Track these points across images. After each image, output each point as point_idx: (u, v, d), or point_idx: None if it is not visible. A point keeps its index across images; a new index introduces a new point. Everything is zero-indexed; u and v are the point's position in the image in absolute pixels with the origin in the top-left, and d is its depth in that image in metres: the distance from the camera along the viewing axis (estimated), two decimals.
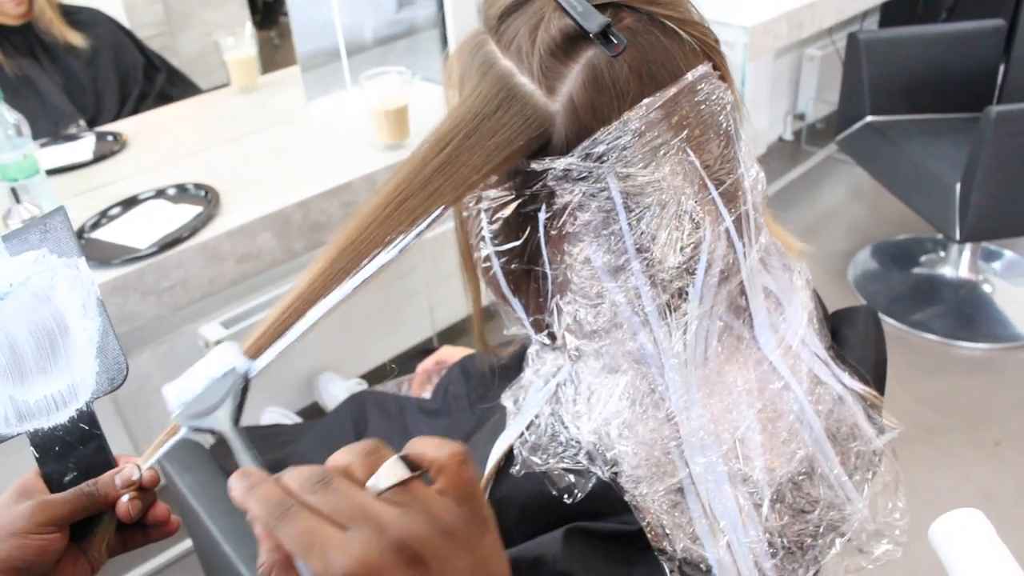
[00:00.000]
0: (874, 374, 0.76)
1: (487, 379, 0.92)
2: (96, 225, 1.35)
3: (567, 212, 0.58)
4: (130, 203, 1.39)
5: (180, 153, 1.59)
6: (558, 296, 0.62)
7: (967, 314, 2.35)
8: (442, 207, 0.54)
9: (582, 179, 0.56)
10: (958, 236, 2.02)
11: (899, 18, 3.04)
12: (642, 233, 0.57)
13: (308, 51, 1.72)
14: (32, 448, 0.56)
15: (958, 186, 2.01)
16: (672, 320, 0.59)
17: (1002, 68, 2.48)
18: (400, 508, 0.39)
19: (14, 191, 1.24)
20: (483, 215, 0.61)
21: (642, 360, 0.61)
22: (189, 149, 1.60)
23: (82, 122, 2.01)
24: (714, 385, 0.63)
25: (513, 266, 0.62)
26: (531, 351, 0.73)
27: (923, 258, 2.59)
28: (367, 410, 1.13)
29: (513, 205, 0.59)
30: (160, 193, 1.41)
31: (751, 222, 0.61)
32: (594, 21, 0.52)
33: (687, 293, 0.59)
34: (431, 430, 0.92)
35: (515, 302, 0.64)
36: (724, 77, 0.59)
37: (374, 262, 0.54)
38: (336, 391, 1.91)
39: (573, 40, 0.54)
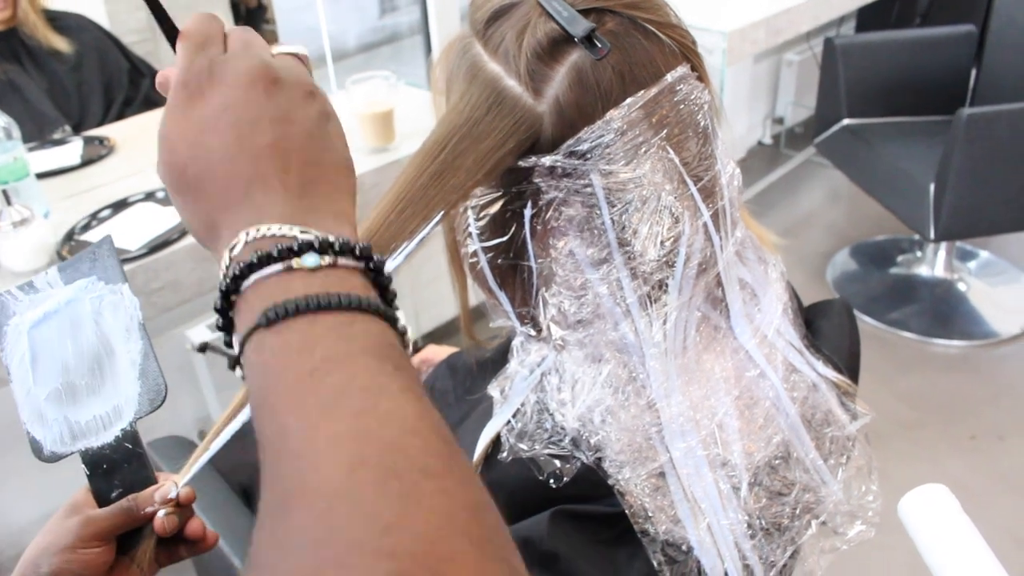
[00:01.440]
0: (848, 364, 0.79)
1: (473, 372, 0.95)
2: (87, 227, 1.36)
3: (552, 208, 0.60)
4: (120, 206, 1.40)
5: None
6: (543, 288, 0.65)
7: (943, 312, 2.40)
8: (441, 212, 0.57)
9: (567, 176, 0.59)
10: (932, 235, 2.06)
11: (874, 23, 3.09)
12: (624, 227, 0.59)
13: None
14: (83, 466, 0.59)
15: (932, 187, 2.06)
16: (652, 311, 0.62)
17: (973, 72, 2.53)
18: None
19: (5, 193, 1.25)
20: (470, 212, 0.64)
21: (624, 349, 0.64)
22: None
23: (67, 127, 2.02)
24: (692, 373, 0.66)
25: (500, 261, 0.65)
26: (516, 342, 0.76)
27: (900, 258, 2.64)
28: None
29: (500, 202, 0.62)
30: (149, 196, 1.42)
31: (727, 217, 0.64)
32: (579, 26, 0.55)
33: (667, 285, 0.62)
34: None
35: (502, 295, 0.67)
36: (701, 78, 0.62)
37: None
38: None
39: (558, 44, 0.57)
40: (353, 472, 0.31)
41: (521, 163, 0.59)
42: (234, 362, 0.39)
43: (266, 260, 0.36)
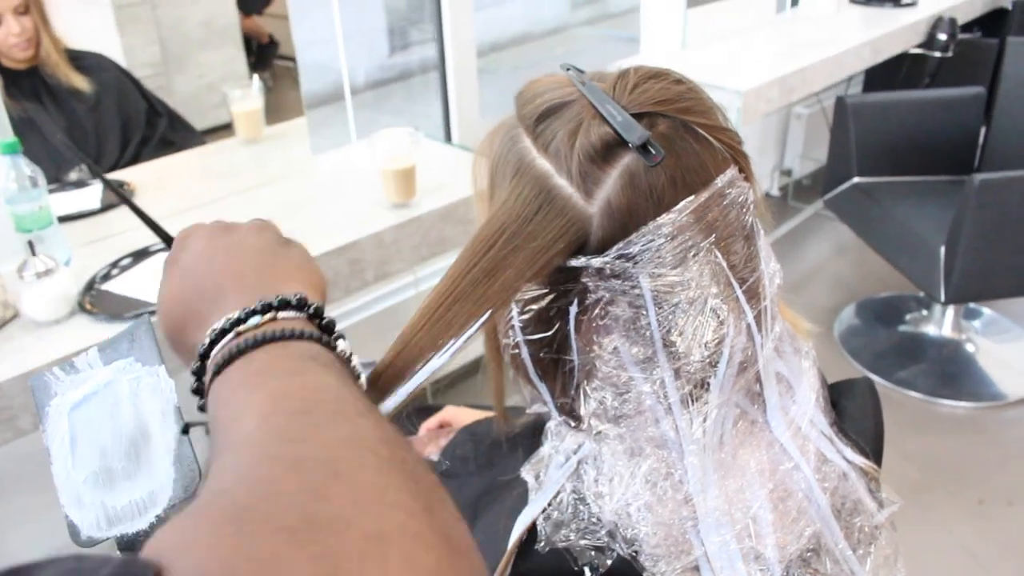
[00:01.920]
0: (873, 446, 0.79)
1: (496, 446, 0.95)
2: (107, 277, 1.37)
3: (598, 307, 0.61)
4: (141, 255, 1.41)
5: (188, 204, 1.62)
6: (585, 382, 0.65)
7: (951, 373, 2.41)
8: (491, 311, 0.58)
9: (615, 277, 0.59)
10: (943, 298, 2.07)
11: (883, 83, 3.13)
12: (669, 329, 0.60)
13: (310, 94, 1.76)
14: (118, 552, 0.58)
15: (942, 249, 2.07)
16: (693, 409, 0.63)
17: (982, 133, 2.56)
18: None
19: (30, 243, 1.26)
20: (514, 306, 0.64)
21: (663, 445, 0.64)
22: (197, 200, 1.63)
23: (83, 167, 2.03)
24: (728, 468, 0.66)
25: (542, 355, 0.65)
26: (550, 425, 0.76)
27: (908, 316, 2.65)
28: None
29: (546, 299, 0.62)
30: (170, 244, 1.43)
31: (768, 314, 0.65)
32: (635, 133, 0.56)
33: (708, 383, 0.62)
34: None
35: (542, 387, 0.67)
36: (748, 178, 0.63)
37: (427, 366, 0.58)
38: None
39: (611, 147, 0.57)
40: (265, 419, 0.37)
41: (572, 263, 0.60)
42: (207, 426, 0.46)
43: (220, 336, 0.46)
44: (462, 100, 2.25)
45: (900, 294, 2.75)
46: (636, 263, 0.58)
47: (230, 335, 0.46)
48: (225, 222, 0.57)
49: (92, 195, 1.72)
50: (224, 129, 2.48)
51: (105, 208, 1.66)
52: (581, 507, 0.67)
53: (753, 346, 0.64)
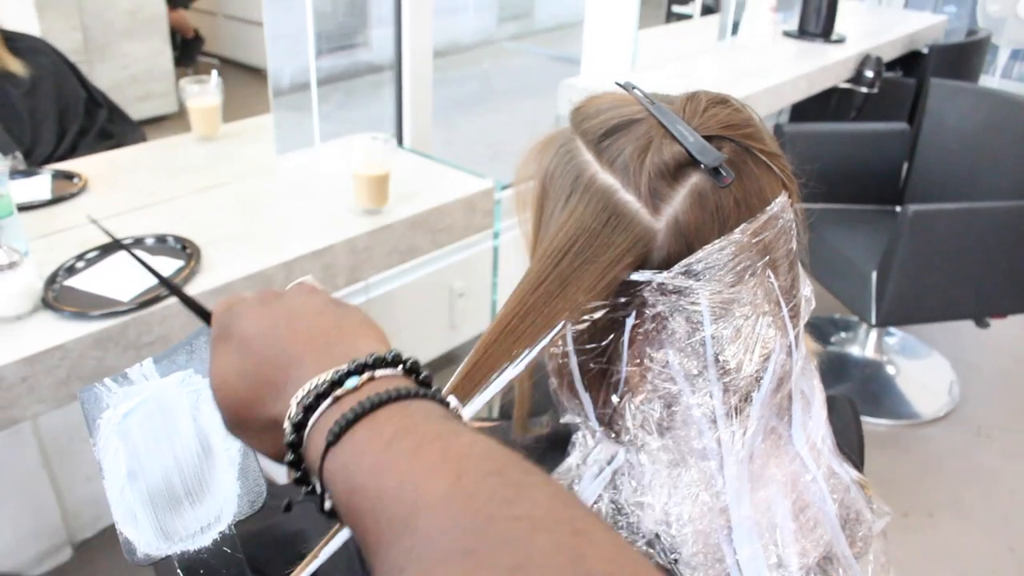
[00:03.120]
0: (858, 459, 0.84)
1: None
2: (71, 270, 1.31)
3: (656, 320, 0.63)
4: (107, 250, 1.36)
5: (147, 200, 1.57)
6: (630, 394, 0.67)
7: (872, 392, 2.53)
8: (562, 323, 0.60)
9: (676, 292, 0.61)
10: (874, 321, 2.18)
11: (809, 114, 3.26)
12: (723, 344, 0.63)
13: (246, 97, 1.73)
14: (179, 571, 0.57)
15: (874, 274, 2.18)
16: (736, 422, 0.65)
17: (905, 166, 2.71)
18: None
19: None
20: None
21: (704, 456, 0.67)
22: (156, 197, 1.58)
23: (18, 154, 1.95)
24: (757, 479, 0.69)
25: (591, 365, 0.67)
26: (577, 436, 0.78)
27: (833, 337, 2.77)
28: None
29: (603, 310, 0.64)
30: (138, 242, 1.39)
31: (801, 335, 0.69)
32: (709, 156, 0.58)
33: (751, 398, 0.65)
34: None
35: (586, 397, 0.69)
36: (794, 203, 0.66)
37: (503, 376, 0.59)
38: None
39: (682, 167, 0.60)
40: (459, 479, 0.35)
41: (636, 277, 0.62)
42: (319, 500, 0.43)
43: (315, 403, 0.43)
44: (416, 105, 2.25)
45: (829, 316, 2.88)
46: (698, 280, 0.61)
47: (327, 401, 0.43)
48: (270, 290, 0.54)
49: (41, 185, 1.65)
50: (151, 123, 2.40)
51: (56, 200, 1.59)
52: (619, 517, 0.69)
53: (790, 363, 0.67)
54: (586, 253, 0.60)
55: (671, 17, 3.82)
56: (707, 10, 3.54)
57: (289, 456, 0.44)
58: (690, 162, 0.60)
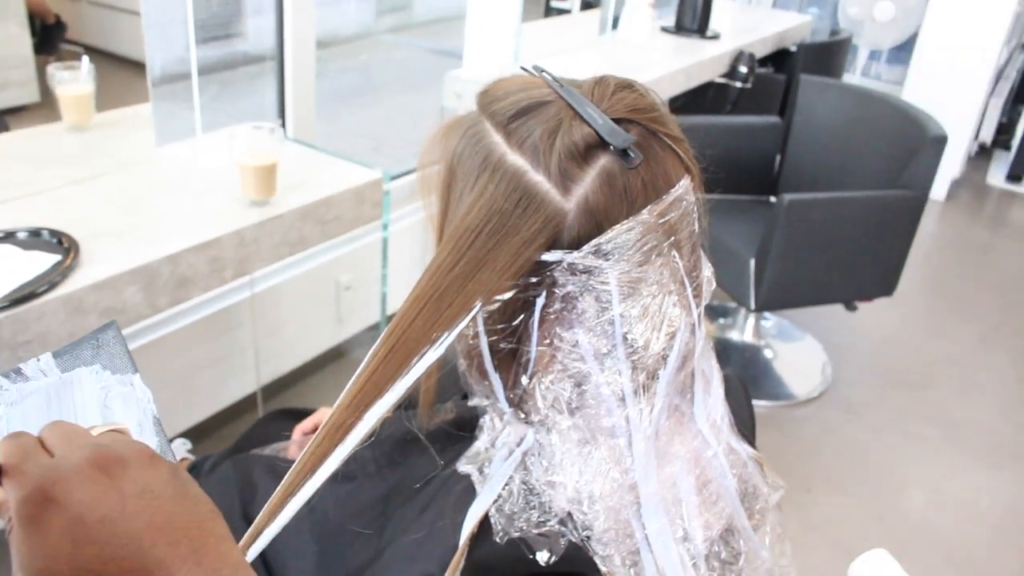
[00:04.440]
0: (751, 435, 0.88)
1: (402, 444, 0.95)
2: None
3: (566, 300, 0.64)
4: None
5: (15, 192, 1.47)
6: (539, 373, 0.68)
7: (752, 375, 2.64)
8: (479, 304, 0.60)
9: (586, 272, 0.63)
10: (753, 306, 2.27)
11: (687, 108, 3.37)
12: (631, 323, 0.64)
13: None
14: None
15: (752, 262, 2.27)
16: (643, 400, 0.67)
17: (778, 158, 2.83)
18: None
19: None
20: None
21: (613, 434, 0.68)
22: (25, 189, 1.49)
23: None
24: (663, 455, 0.71)
25: (501, 345, 0.67)
26: (484, 420, 0.78)
27: (714, 323, 2.88)
28: (254, 474, 1.11)
29: (512, 291, 0.65)
30: (8, 236, 1.30)
31: (702, 314, 0.71)
32: (619, 137, 0.60)
33: (657, 375, 0.67)
34: (334, 494, 0.93)
35: (495, 377, 0.69)
36: (697, 187, 0.69)
37: (424, 359, 0.58)
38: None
39: (592, 148, 0.61)
40: None
41: (545, 257, 0.62)
42: None
43: None
44: (299, 95, 2.20)
45: (709, 303, 2.97)
46: (608, 259, 0.62)
47: None
48: (100, 444, 0.42)
49: None
50: (10, 113, 2.26)
51: None
52: (531, 497, 0.70)
53: (694, 341, 0.69)
54: (499, 234, 0.61)
55: (550, 11, 3.87)
56: (586, 5, 3.61)
57: None
58: (599, 144, 0.61)
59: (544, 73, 0.67)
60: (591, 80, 0.66)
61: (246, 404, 2.19)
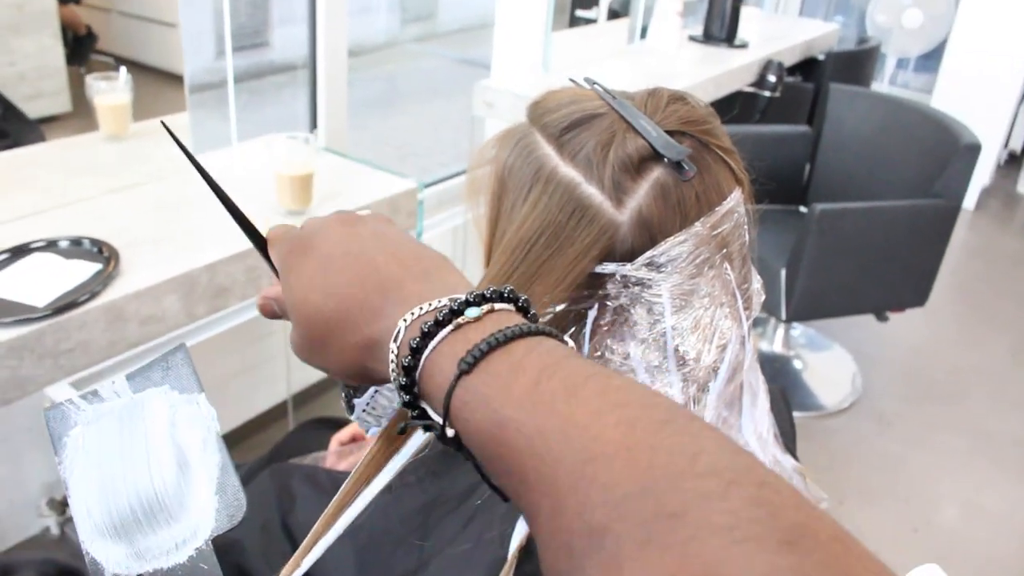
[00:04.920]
0: (792, 447, 0.87)
1: (444, 455, 0.95)
2: None
3: (617, 312, 0.64)
4: (19, 252, 1.29)
5: (55, 202, 1.49)
6: None
7: (782, 386, 2.61)
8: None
9: (639, 285, 0.62)
10: (784, 316, 2.26)
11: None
12: (682, 336, 0.64)
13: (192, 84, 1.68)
14: None
15: (783, 272, 2.26)
16: (694, 413, 0.67)
17: (807, 168, 2.82)
18: None
19: None
20: None
21: None
22: (65, 199, 1.51)
23: None
24: None
25: None
26: None
27: None
28: (292, 484, 1.11)
29: (566, 303, 0.65)
30: (51, 245, 1.32)
31: (751, 327, 0.71)
32: (673, 151, 0.60)
33: (708, 388, 0.67)
34: (372, 504, 0.93)
35: None
36: (746, 198, 0.68)
37: None
38: None
39: (646, 160, 0.61)
40: (633, 429, 0.33)
41: (600, 269, 0.62)
42: (440, 428, 0.41)
43: (435, 328, 0.41)
44: (331, 105, 2.21)
45: None
46: (661, 271, 0.62)
47: (449, 327, 0.40)
48: (347, 212, 0.51)
49: None
50: (43, 123, 2.29)
51: None
52: None
53: (743, 353, 0.69)
54: (553, 246, 0.61)
55: (575, 21, 3.87)
56: (613, 15, 3.61)
57: (402, 379, 0.42)
58: (653, 156, 0.61)
59: (596, 85, 0.67)
60: (643, 92, 0.66)
61: (277, 412, 2.20)
